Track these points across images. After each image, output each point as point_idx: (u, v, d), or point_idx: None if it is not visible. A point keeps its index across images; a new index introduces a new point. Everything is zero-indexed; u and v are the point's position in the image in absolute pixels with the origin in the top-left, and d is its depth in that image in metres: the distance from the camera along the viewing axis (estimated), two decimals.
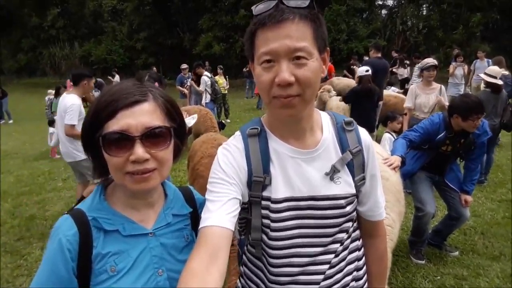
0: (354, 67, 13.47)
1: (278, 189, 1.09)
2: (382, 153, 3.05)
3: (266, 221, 1.10)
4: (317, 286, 1.12)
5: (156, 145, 0.94)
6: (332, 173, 1.10)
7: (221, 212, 0.98)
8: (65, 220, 0.96)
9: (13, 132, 12.29)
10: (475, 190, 5.28)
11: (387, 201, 2.58)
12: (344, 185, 1.11)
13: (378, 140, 5.96)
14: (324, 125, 1.15)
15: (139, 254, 0.98)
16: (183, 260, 0.99)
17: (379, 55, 7.19)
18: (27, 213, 5.19)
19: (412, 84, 8.28)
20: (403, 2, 24.49)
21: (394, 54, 14.57)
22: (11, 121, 14.95)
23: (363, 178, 1.15)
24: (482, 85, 11.52)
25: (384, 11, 26.59)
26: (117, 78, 17.18)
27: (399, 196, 2.77)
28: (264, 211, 1.09)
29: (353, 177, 1.13)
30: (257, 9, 1.00)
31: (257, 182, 1.07)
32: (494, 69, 5.61)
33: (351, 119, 1.18)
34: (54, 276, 0.91)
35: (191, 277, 0.86)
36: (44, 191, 6.18)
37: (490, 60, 12.24)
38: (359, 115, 5.71)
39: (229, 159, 1.08)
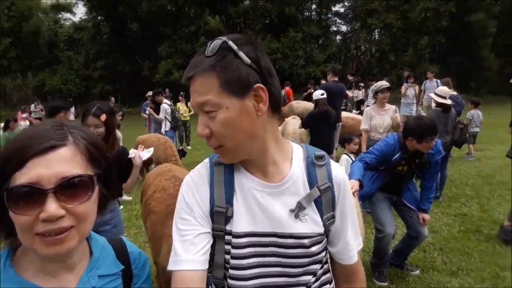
0: (311, 90, 13.83)
1: (240, 222, 1.02)
2: None
3: (227, 256, 1.02)
4: None
5: (74, 198, 0.79)
6: (298, 210, 1.03)
7: (189, 253, 0.94)
8: None
9: None
10: (431, 206, 5.47)
11: None
12: (310, 223, 1.04)
13: (337, 161, 6.05)
14: (295, 158, 1.09)
15: None
16: None
17: (336, 78, 7.41)
18: None
19: (368, 106, 8.54)
20: (356, 28, 25.71)
21: (350, 77, 15.12)
22: None
23: (333, 217, 1.08)
24: (433, 104, 12.14)
25: (338, 37, 27.81)
26: (72, 109, 16.64)
27: (357, 221, 2.76)
28: (227, 247, 1.02)
29: (321, 215, 1.06)
30: None
31: (219, 213, 1.01)
32: (443, 89, 5.93)
33: (323, 153, 1.11)
34: None
35: None
36: None
37: (438, 81, 12.95)
38: (318, 138, 5.88)
39: (191, 190, 1.04)
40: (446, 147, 5.77)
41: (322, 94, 6.17)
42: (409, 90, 12.33)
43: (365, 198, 3.62)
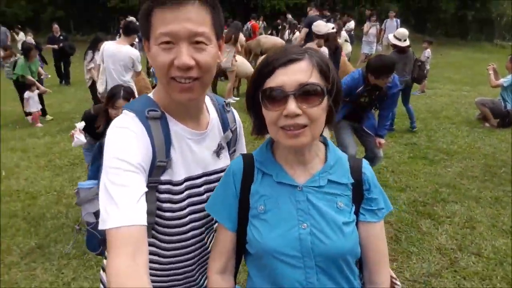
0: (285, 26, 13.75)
1: (179, 171, 1.11)
2: None
3: (166, 205, 1.10)
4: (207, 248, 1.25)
5: (308, 101, 0.96)
6: (218, 150, 1.21)
7: (136, 209, 0.91)
8: None
9: None
10: (385, 136, 6.13)
11: None
12: (224, 158, 1.24)
13: None
14: (208, 105, 1.23)
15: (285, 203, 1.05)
16: (329, 219, 1.03)
17: (317, 13, 7.47)
18: None
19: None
20: None
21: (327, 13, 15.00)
22: None
23: (234, 151, 1.32)
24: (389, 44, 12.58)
25: None
26: (21, 36, 15.43)
27: None
28: (163, 195, 1.08)
29: (229, 151, 1.28)
30: None
31: (160, 166, 1.05)
32: (402, 31, 6.25)
33: (229, 100, 1.36)
34: None
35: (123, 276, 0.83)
36: None
37: (398, 20, 13.39)
38: None
39: (134, 143, 0.99)
40: (408, 85, 6.34)
41: (333, 28, 5.96)
42: (371, 29, 12.71)
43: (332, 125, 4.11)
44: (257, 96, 1.00)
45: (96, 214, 1.31)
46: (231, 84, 8.45)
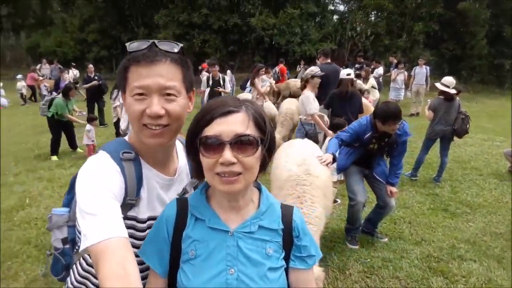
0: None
1: (144, 210, 1.20)
2: (317, 152, 3.49)
3: (129, 240, 1.13)
4: None
5: (243, 151, 1.01)
6: (182, 194, 1.28)
7: (117, 223, 1.01)
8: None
9: None
10: (407, 185, 5.92)
11: (316, 196, 2.96)
12: None
13: None
14: (179, 152, 1.33)
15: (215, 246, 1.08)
16: (257, 264, 1.07)
17: (328, 60, 7.57)
18: None
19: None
20: (353, 8, 25.51)
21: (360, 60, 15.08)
22: None
23: None
24: (421, 90, 12.46)
25: (335, 16, 27.49)
26: (70, 73, 16.02)
27: (326, 192, 3.14)
28: (127, 230, 1.10)
29: None
30: (132, 46, 1.11)
31: (129, 204, 1.15)
32: (448, 79, 6.17)
33: None
34: None
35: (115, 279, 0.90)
36: None
37: (428, 67, 13.32)
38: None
39: (110, 178, 1.09)
40: (446, 135, 6.12)
41: (349, 74, 5.88)
42: (399, 76, 12.70)
43: (341, 171, 4.11)
44: (195, 143, 1.05)
45: (64, 240, 1.35)
46: None
